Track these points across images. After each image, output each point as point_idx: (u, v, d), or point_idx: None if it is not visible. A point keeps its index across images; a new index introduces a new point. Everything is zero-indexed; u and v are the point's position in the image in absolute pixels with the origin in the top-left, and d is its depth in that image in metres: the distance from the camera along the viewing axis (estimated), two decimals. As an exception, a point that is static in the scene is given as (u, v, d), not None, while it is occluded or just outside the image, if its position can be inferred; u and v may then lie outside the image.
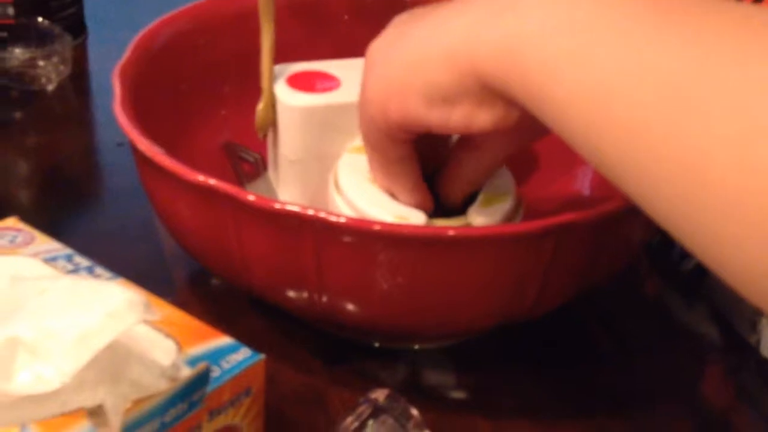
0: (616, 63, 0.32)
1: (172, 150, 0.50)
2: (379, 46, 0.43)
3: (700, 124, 0.29)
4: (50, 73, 0.70)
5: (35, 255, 0.43)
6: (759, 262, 0.28)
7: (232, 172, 0.56)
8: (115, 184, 0.64)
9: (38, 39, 0.70)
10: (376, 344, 0.50)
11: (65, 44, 0.70)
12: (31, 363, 0.34)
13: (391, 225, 0.43)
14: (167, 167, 0.43)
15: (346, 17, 0.61)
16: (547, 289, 0.44)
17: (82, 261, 0.43)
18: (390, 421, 0.42)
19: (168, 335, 0.39)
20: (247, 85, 0.53)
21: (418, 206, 0.47)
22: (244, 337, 0.48)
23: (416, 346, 0.50)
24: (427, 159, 0.47)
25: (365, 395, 0.42)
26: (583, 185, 0.56)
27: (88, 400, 0.35)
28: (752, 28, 0.30)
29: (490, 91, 0.38)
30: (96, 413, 0.35)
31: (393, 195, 0.47)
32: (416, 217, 0.46)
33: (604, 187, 0.55)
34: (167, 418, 0.35)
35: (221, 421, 0.38)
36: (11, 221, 0.45)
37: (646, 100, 0.31)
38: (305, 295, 0.43)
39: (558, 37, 0.34)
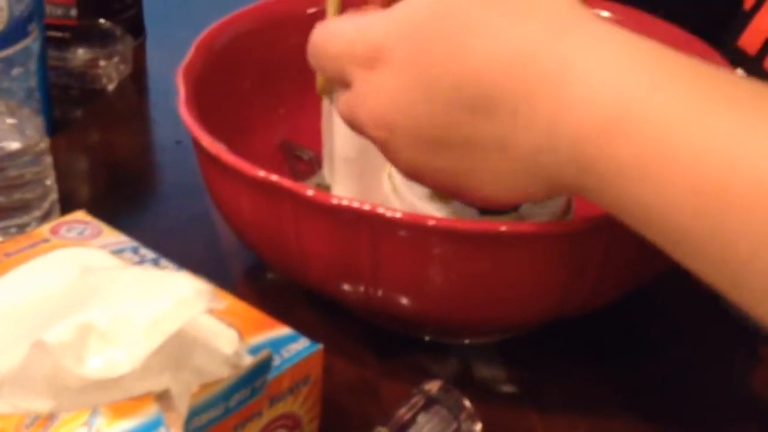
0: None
1: (230, 148, 0.51)
2: (408, 55, 0.39)
3: None
4: (111, 72, 0.72)
5: (103, 247, 0.44)
6: None
7: (287, 170, 0.57)
8: (173, 181, 0.65)
9: (100, 39, 0.72)
10: (427, 338, 0.51)
11: (127, 45, 0.72)
12: (102, 348, 0.35)
13: (445, 220, 0.45)
14: (230, 163, 0.44)
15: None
16: (599, 286, 0.45)
17: (148, 253, 0.45)
18: (443, 411, 0.43)
19: (230, 325, 0.40)
20: (306, 84, 0.54)
21: None
22: (299, 330, 0.50)
23: (467, 341, 0.51)
24: None
25: (418, 386, 0.44)
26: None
27: (153, 385, 0.37)
28: None
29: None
30: (163, 398, 0.36)
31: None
32: (469, 214, 0.47)
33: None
34: (231, 404, 0.36)
35: (281, 408, 0.39)
36: (79, 214, 0.47)
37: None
38: (361, 288, 0.45)
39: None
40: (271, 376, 0.38)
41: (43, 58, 0.63)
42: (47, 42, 0.68)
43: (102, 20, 0.73)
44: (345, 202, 0.42)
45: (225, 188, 0.47)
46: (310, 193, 0.43)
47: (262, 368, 0.37)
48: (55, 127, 0.67)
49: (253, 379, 0.37)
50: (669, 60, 0.35)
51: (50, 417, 0.35)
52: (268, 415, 0.39)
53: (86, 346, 0.35)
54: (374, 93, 0.40)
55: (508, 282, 0.44)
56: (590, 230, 0.43)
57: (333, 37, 0.42)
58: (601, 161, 0.34)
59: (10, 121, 0.54)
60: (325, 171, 0.56)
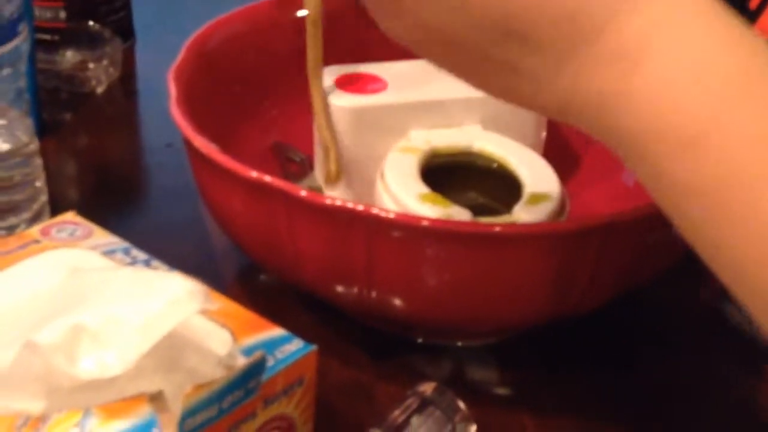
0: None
1: (225, 146, 0.51)
2: None
3: None
4: (100, 75, 0.72)
5: (94, 248, 0.44)
6: None
7: (279, 171, 0.57)
8: (163, 184, 0.65)
9: (89, 42, 0.71)
10: (420, 340, 0.51)
11: (115, 47, 0.72)
12: (94, 349, 0.35)
13: (438, 221, 0.44)
14: (222, 164, 0.44)
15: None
16: (592, 288, 0.45)
17: (139, 254, 0.44)
18: (437, 413, 0.43)
19: (223, 326, 0.40)
20: (297, 86, 0.54)
21: None
22: (293, 332, 0.49)
23: (459, 343, 0.51)
24: None
25: (413, 388, 0.43)
26: (629, 184, 0.56)
27: (146, 387, 0.36)
28: None
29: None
30: (156, 399, 0.36)
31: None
32: (461, 215, 0.47)
33: (645, 194, 0.55)
34: (225, 405, 0.36)
35: (275, 409, 0.39)
36: (70, 215, 0.46)
37: None
38: (354, 289, 0.44)
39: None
40: (264, 377, 0.38)
41: (32, 60, 0.62)
42: (36, 45, 0.68)
43: (91, 23, 0.72)
44: (339, 203, 0.42)
45: (217, 189, 0.47)
46: (303, 193, 0.42)
47: (255, 369, 0.37)
48: (44, 130, 0.66)
49: (247, 381, 0.37)
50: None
51: (42, 418, 0.35)
52: (262, 417, 0.38)
53: (78, 347, 0.35)
54: None
55: (501, 283, 0.44)
56: (583, 232, 0.43)
57: None
58: (652, 160, 0.31)
59: (-1, 122, 0.53)
60: (317, 173, 0.56)
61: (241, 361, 0.38)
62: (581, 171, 0.59)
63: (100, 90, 0.72)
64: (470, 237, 0.43)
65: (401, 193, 0.49)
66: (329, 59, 0.54)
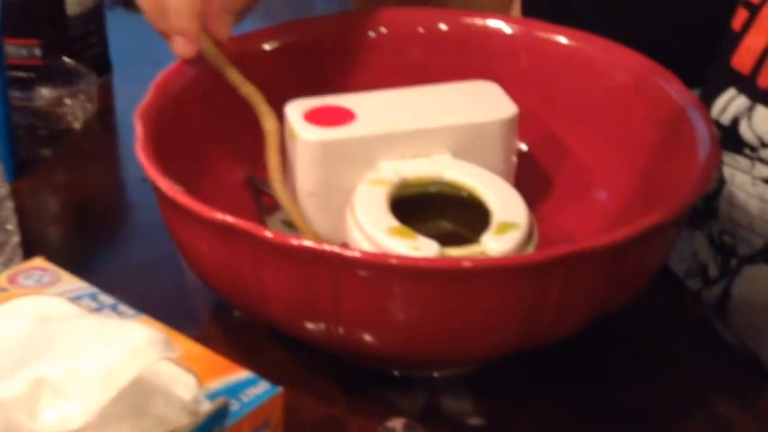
0: None
1: (195, 186, 0.51)
2: None
3: None
4: (77, 111, 0.72)
5: (61, 294, 0.44)
6: None
7: (253, 205, 0.57)
8: (141, 219, 0.65)
9: (64, 78, 0.72)
10: (396, 372, 0.51)
11: (91, 83, 0.72)
12: (55, 402, 0.35)
13: (406, 258, 0.45)
14: (186, 205, 0.44)
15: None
16: (562, 316, 0.45)
17: (107, 299, 0.44)
18: (407, 449, 0.43)
19: (189, 370, 0.40)
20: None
21: None
22: (266, 368, 0.49)
23: (435, 374, 0.51)
24: None
25: (382, 424, 0.43)
26: (598, 209, 0.57)
27: (114, 434, 0.36)
28: None
29: None
30: (121, 448, 0.36)
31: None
32: (429, 247, 0.47)
33: (620, 210, 0.56)
34: (189, 452, 0.36)
35: (242, 453, 0.39)
36: (38, 261, 0.46)
37: None
38: (323, 327, 0.45)
39: None
40: (230, 421, 0.38)
41: (4, 101, 0.63)
42: (11, 83, 0.68)
43: (66, 59, 0.72)
44: (304, 243, 0.42)
45: (184, 230, 0.47)
46: (268, 234, 0.43)
47: (219, 415, 0.37)
48: (22, 168, 0.67)
49: (211, 426, 0.37)
50: None
51: (5, 473, 0.35)
52: (228, 461, 0.38)
53: (39, 400, 0.35)
54: None
55: (470, 316, 0.44)
56: (549, 262, 0.43)
57: None
58: None
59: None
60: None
61: (206, 407, 0.38)
62: (554, 192, 0.59)
63: (77, 126, 0.72)
64: (438, 273, 0.43)
65: (370, 228, 0.49)
66: (297, 92, 0.54)
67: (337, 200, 0.53)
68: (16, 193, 0.63)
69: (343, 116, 0.54)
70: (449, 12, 0.61)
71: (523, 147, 0.59)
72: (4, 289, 0.44)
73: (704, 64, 0.63)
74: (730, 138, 0.60)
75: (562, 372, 0.51)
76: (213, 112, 0.56)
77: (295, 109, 0.54)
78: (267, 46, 0.58)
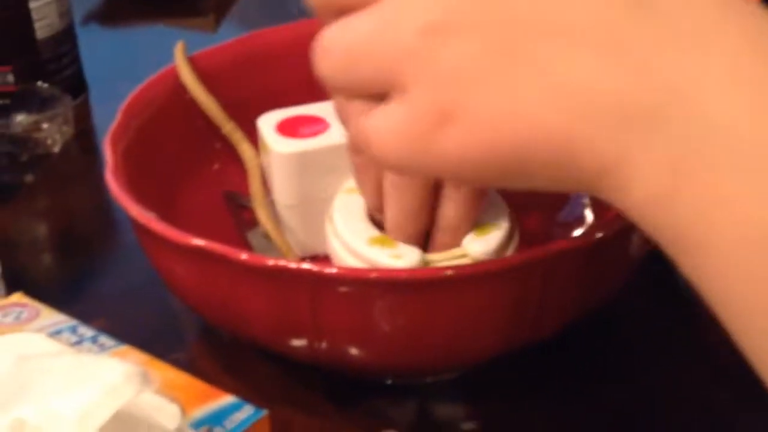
0: None
1: (171, 206, 0.51)
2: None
3: None
4: (54, 134, 0.71)
5: (40, 330, 0.44)
6: None
7: (232, 221, 0.57)
8: (126, 241, 0.65)
9: (40, 103, 0.71)
10: (389, 381, 0.50)
11: (67, 105, 0.71)
12: (36, 444, 0.35)
13: (386, 271, 0.44)
14: (158, 232, 0.44)
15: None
16: (544, 315, 0.45)
17: (87, 331, 0.44)
18: (398, 462, 0.43)
19: (172, 399, 0.39)
20: (243, 133, 0.54)
21: (415, 233, 0.46)
22: (256, 385, 0.49)
23: (428, 379, 0.51)
24: None
25: (374, 437, 0.43)
26: (577, 207, 0.56)
27: (100, 470, 0.36)
28: None
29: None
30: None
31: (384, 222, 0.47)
32: (411, 255, 0.47)
33: (598, 208, 0.55)
34: (173, 485, 0.36)
35: (230, 480, 0.39)
36: (16, 297, 0.46)
37: None
38: (306, 344, 0.44)
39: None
40: (215, 449, 0.37)
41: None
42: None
43: (40, 83, 0.72)
44: (281, 263, 0.42)
45: (159, 256, 0.46)
46: (243, 256, 0.42)
47: (203, 445, 0.37)
48: (1, 197, 0.66)
49: (196, 456, 0.37)
50: None
51: None
52: (216, 490, 0.38)
53: (19, 443, 0.35)
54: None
55: (454, 323, 0.44)
56: (527, 264, 0.42)
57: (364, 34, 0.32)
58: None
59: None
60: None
61: (190, 436, 0.38)
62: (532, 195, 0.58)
63: (56, 149, 0.72)
64: (416, 285, 0.42)
65: (350, 238, 0.48)
66: (269, 103, 0.54)
67: (316, 210, 0.52)
68: (-3, 223, 0.63)
69: (315, 125, 0.53)
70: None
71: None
72: (-18, 329, 0.44)
73: None
74: None
75: (555, 371, 0.51)
76: (185, 129, 0.56)
77: (267, 122, 0.53)
78: (236, 59, 0.58)
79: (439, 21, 0.30)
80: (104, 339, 0.44)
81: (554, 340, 0.48)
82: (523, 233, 0.49)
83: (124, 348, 0.43)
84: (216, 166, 0.56)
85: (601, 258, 0.44)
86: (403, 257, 0.47)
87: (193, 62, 0.57)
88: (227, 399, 0.40)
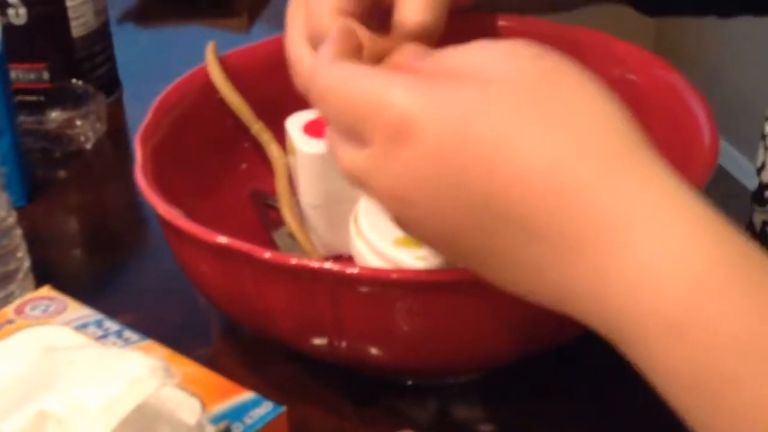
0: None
1: (199, 205, 0.51)
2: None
3: None
4: (88, 131, 0.72)
5: (67, 323, 0.45)
6: None
7: (258, 220, 0.57)
8: (154, 238, 0.66)
9: (74, 100, 0.72)
10: (409, 382, 0.51)
11: (100, 103, 0.73)
12: (60, 434, 0.35)
13: (406, 272, 0.44)
14: (185, 229, 0.44)
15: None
16: (567, 318, 0.45)
17: (112, 325, 0.45)
18: (416, 461, 0.43)
19: (192, 394, 0.40)
20: (271, 132, 0.55)
21: None
22: (277, 383, 0.50)
23: (449, 381, 0.51)
24: None
25: (393, 437, 0.43)
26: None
27: (121, 462, 0.37)
28: None
29: None
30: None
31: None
32: (435, 257, 0.47)
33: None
34: (193, 477, 0.36)
35: (248, 474, 0.39)
36: (45, 290, 0.47)
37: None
38: (327, 343, 0.45)
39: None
40: (235, 444, 0.38)
41: (12, 128, 0.63)
42: (21, 107, 0.69)
43: (74, 80, 0.73)
44: (304, 262, 0.42)
45: (186, 253, 0.47)
46: (267, 255, 0.43)
47: (222, 440, 0.37)
48: (35, 192, 0.67)
49: (215, 451, 0.37)
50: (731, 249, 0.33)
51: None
52: (235, 484, 0.39)
53: (43, 432, 0.35)
54: (395, 170, 0.37)
55: (475, 323, 0.44)
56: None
57: (354, 91, 0.37)
58: (641, 346, 0.34)
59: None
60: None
61: (210, 430, 0.38)
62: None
63: (89, 146, 0.73)
64: (437, 286, 0.43)
65: (375, 239, 0.49)
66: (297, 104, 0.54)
67: (341, 211, 0.53)
68: (29, 217, 0.64)
69: (343, 127, 0.54)
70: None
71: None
72: (11, 321, 0.45)
73: None
74: None
75: (575, 375, 0.51)
76: (214, 128, 0.57)
77: (295, 123, 0.54)
78: (266, 60, 0.58)
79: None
80: (129, 333, 0.45)
81: (575, 344, 0.48)
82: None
83: (148, 342, 0.44)
84: (244, 166, 0.57)
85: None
86: (428, 258, 0.47)
87: (224, 62, 0.57)
88: (247, 395, 0.41)
